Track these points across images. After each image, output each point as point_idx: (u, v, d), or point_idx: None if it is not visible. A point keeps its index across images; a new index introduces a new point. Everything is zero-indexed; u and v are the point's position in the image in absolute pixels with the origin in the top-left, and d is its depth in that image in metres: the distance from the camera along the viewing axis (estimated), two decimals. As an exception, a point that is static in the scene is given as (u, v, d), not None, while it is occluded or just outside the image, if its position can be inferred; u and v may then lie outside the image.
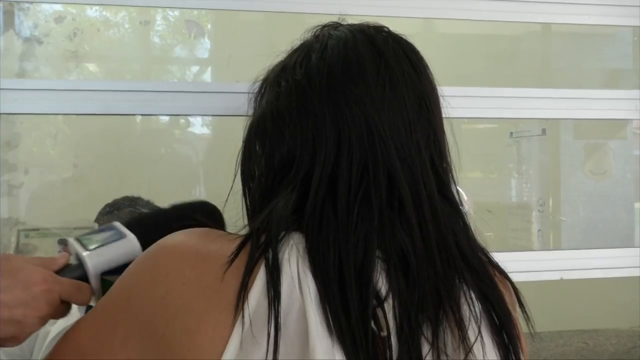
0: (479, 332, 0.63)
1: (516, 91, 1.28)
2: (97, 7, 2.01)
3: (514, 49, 2.67)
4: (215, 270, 0.61)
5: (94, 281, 0.73)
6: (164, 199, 1.69)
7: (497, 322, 0.65)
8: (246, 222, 0.73)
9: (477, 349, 0.62)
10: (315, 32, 0.76)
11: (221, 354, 0.58)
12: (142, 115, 1.91)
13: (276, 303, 0.58)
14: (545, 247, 2.49)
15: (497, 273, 0.71)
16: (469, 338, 0.62)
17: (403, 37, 0.76)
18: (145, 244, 0.72)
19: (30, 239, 1.43)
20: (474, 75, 2.10)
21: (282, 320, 0.58)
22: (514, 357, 0.65)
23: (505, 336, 0.65)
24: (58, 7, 1.90)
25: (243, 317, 0.58)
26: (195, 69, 2.50)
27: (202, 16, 2.19)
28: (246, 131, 0.74)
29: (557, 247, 2.60)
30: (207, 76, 2.46)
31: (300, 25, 0.79)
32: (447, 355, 0.61)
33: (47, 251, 1.42)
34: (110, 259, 0.73)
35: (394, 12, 1.21)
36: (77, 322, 0.70)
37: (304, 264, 0.61)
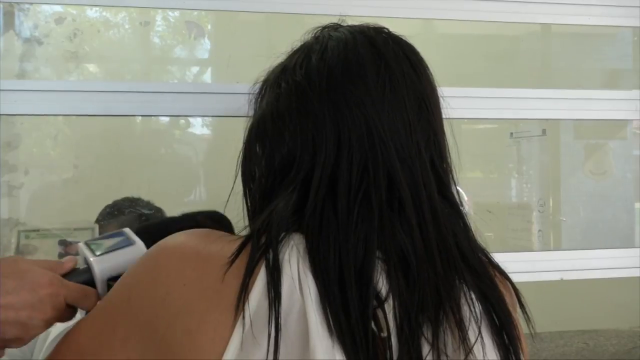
0: (479, 332, 0.63)
1: (516, 91, 1.29)
2: (97, 8, 2.01)
3: (514, 49, 2.67)
4: (216, 271, 0.61)
5: (100, 286, 0.73)
6: (164, 200, 1.70)
7: (498, 323, 0.66)
8: (247, 222, 0.73)
9: (477, 349, 0.62)
10: (315, 34, 0.76)
11: (222, 355, 0.58)
12: (142, 116, 1.91)
13: (277, 304, 0.58)
14: (545, 248, 2.49)
15: (497, 274, 0.71)
16: (469, 339, 0.62)
17: (403, 38, 0.76)
18: None
19: (31, 240, 1.43)
20: (474, 76, 2.10)
21: (282, 320, 0.58)
22: (514, 358, 0.65)
23: (505, 337, 0.65)
24: (58, 8, 1.90)
25: (244, 317, 0.58)
26: (195, 69, 2.50)
27: (202, 17, 2.19)
28: (246, 132, 0.74)
29: (558, 248, 2.60)
30: (207, 77, 2.46)
31: (300, 26, 0.79)
32: (447, 355, 0.61)
33: (48, 252, 1.42)
34: (117, 265, 0.73)
35: (393, 13, 1.21)
36: (78, 323, 0.70)
37: (304, 265, 0.61)
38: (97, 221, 1.55)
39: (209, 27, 2.31)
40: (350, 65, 0.70)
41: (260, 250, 0.62)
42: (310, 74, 0.70)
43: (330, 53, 0.71)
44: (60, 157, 2.07)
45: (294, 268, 0.61)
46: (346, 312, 0.59)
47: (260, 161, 0.71)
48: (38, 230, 1.45)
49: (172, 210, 1.68)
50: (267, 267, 0.61)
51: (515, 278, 0.74)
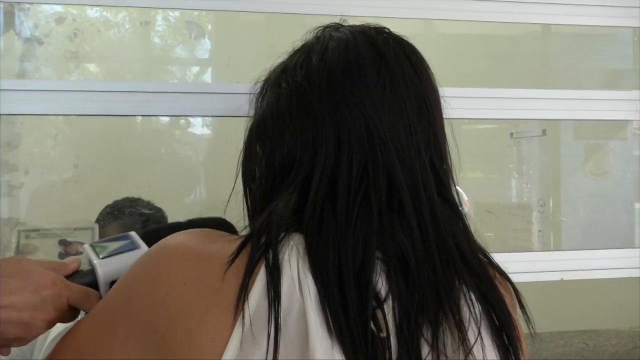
0: (479, 333, 0.63)
1: (516, 92, 1.29)
2: (97, 8, 2.01)
3: (513, 49, 2.67)
4: (216, 271, 0.61)
5: (103, 289, 0.74)
6: (164, 200, 1.70)
7: (497, 323, 0.66)
8: (247, 222, 0.73)
9: (477, 350, 0.62)
10: (316, 33, 0.76)
11: (221, 354, 0.58)
12: (142, 116, 1.91)
13: (276, 304, 0.58)
14: (545, 248, 2.49)
15: (497, 274, 0.71)
16: (468, 339, 0.62)
17: (404, 38, 0.76)
18: None
19: (31, 240, 1.43)
20: (474, 76, 2.10)
21: (282, 320, 0.58)
22: (514, 358, 0.65)
23: (505, 337, 0.65)
24: (58, 8, 1.90)
25: (243, 317, 0.58)
26: (195, 69, 2.50)
27: (203, 17, 2.19)
28: (247, 132, 0.74)
29: (558, 248, 2.60)
30: (208, 77, 2.46)
31: (300, 26, 0.79)
32: (446, 356, 0.61)
33: (48, 252, 1.42)
34: (121, 268, 0.73)
35: (393, 13, 1.21)
36: (78, 323, 0.70)
37: (304, 265, 0.61)
38: (97, 221, 1.55)
39: (210, 27, 2.31)
40: (350, 66, 0.70)
41: (260, 250, 0.62)
42: (310, 75, 0.70)
43: (330, 53, 0.71)
44: (60, 157, 2.07)
45: (294, 268, 0.61)
46: (345, 312, 0.59)
47: (261, 161, 0.71)
48: (38, 230, 1.45)
49: (173, 210, 1.68)
50: (266, 267, 0.61)
51: (515, 278, 0.74)
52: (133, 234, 0.79)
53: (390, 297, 0.62)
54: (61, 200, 1.90)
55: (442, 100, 0.75)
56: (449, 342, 0.62)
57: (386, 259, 0.63)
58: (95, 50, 2.05)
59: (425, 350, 0.61)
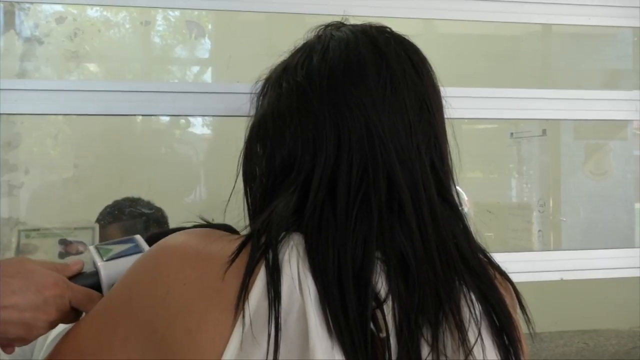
0: (479, 333, 0.63)
1: (516, 92, 1.29)
2: (97, 8, 2.01)
3: (514, 49, 2.67)
4: (216, 271, 0.61)
5: (106, 291, 0.74)
6: (165, 199, 1.70)
7: (498, 324, 0.65)
8: (247, 222, 0.73)
9: (477, 350, 0.62)
10: (318, 32, 0.76)
11: (221, 354, 0.58)
12: (142, 115, 1.91)
13: (277, 304, 0.58)
14: (545, 248, 2.49)
15: (497, 274, 0.71)
16: (469, 340, 0.62)
17: (406, 37, 0.75)
18: None
19: (31, 239, 1.43)
20: (474, 76, 2.10)
21: (282, 320, 0.58)
22: (514, 359, 0.65)
23: (505, 337, 0.65)
24: (59, 8, 1.90)
25: (243, 317, 0.58)
26: (195, 69, 2.50)
27: (203, 17, 2.19)
28: (247, 131, 0.74)
29: (558, 248, 2.60)
30: (208, 77, 2.46)
31: (300, 26, 0.79)
32: (446, 356, 0.61)
33: (48, 251, 1.42)
34: (124, 271, 0.73)
35: (394, 13, 1.21)
36: (78, 323, 0.70)
37: (304, 265, 0.61)
38: (98, 220, 1.55)
39: (210, 26, 2.31)
40: (351, 66, 0.70)
41: (260, 250, 0.62)
42: (311, 74, 0.70)
43: (331, 53, 0.71)
44: (60, 157, 2.07)
45: (294, 268, 0.61)
46: (345, 313, 0.59)
47: (261, 161, 0.71)
48: (38, 230, 1.45)
49: (173, 210, 1.68)
50: (267, 267, 0.61)
51: (515, 278, 0.74)
52: (138, 237, 0.79)
53: (390, 297, 0.62)
54: (61, 200, 1.90)
55: (443, 101, 0.75)
56: (449, 342, 0.62)
57: (386, 259, 0.63)
58: (96, 50, 2.05)
59: (425, 351, 0.61)
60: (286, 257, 0.62)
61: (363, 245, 0.63)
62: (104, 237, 1.48)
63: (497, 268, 0.72)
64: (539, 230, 2.52)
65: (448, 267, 0.65)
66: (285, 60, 0.75)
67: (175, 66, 2.45)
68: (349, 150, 0.66)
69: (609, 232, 2.64)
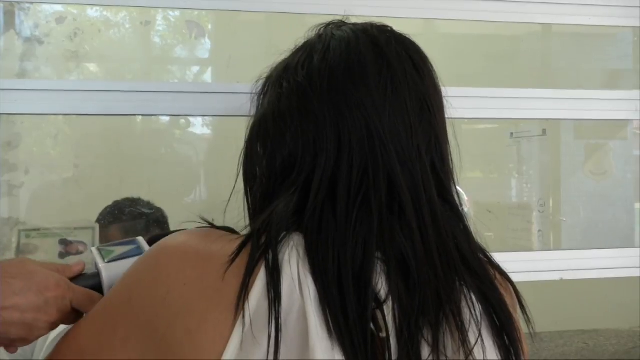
0: (480, 334, 0.63)
1: (516, 91, 1.29)
2: (97, 8, 2.01)
3: (514, 49, 2.67)
4: (217, 270, 0.61)
5: (107, 293, 0.74)
6: (165, 199, 1.70)
7: (498, 324, 0.65)
8: (247, 222, 0.73)
9: (477, 351, 0.62)
10: (319, 31, 0.75)
11: (221, 354, 0.58)
12: (142, 115, 1.91)
13: (277, 304, 0.58)
14: (545, 248, 2.49)
15: (497, 274, 0.71)
16: (469, 341, 0.62)
17: (407, 37, 0.75)
18: None
19: (31, 239, 1.43)
20: (474, 76, 2.10)
21: (282, 320, 0.58)
22: (515, 359, 0.65)
23: (506, 338, 0.65)
24: (59, 8, 1.90)
25: (244, 317, 0.58)
26: (195, 69, 2.50)
27: (203, 17, 2.19)
28: (248, 131, 0.74)
29: (558, 248, 2.60)
30: (208, 76, 2.46)
31: (300, 26, 0.79)
32: (447, 357, 0.61)
33: (48, 251, 1.42)
34: None
35: (394, 13, 1.21)
36: (78, 323, 0.70)
37: (304, 266, 0.61)
38: (98, 220, 1.55)
39: (210, 26, 2.31)
40: (352, 66, 0.69)
41: (261, 250, 0.62)
42: (311, 74, 0.70)
43: (332, 53, 0.71)
44: (60, 157, 2.07)
45: (294, 269, 0.61)
46: (345, 313, 0.59)
47: (262, 161, 0.71)
48: (38, 230, 1.45)
49: (173, 210, 1.68)
50: (267, 267, 0.61)
51: (515, 278, 0.74)
52: (140, 239, 0.79)
53: (390, 298, 0.61)
54: (61, 200, 1.90)
55: (444, 101, 0.75)
56: (449, 343, 0.62)
57: (386, 260, 0.63)
58: (96, 50, 2.05)
59: (425, 351, 0.61)
60: (286, 257, 0.62)
61: (363, 246, 0.63)
62: (104, 237, 1.48)
63: (497, 268, 0.72)
64: (539, 230, 2.52)
65: (449, 268, 0.65)
66: (286, 59, 0.75)
67: (175, 66, 2.46)
68: (350, 151, 0.66)
69: (609, 232, 2.64)
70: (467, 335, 0.62)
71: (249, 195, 0.73)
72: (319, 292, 0.60)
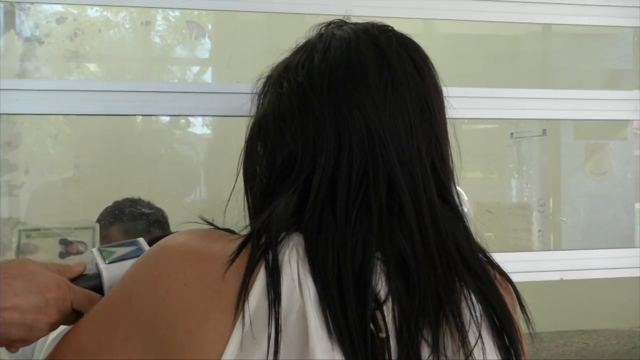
0: (479, 335, 0.63)
1: (516, 92, 1.29)
2: (98, 8, 2.01)
3: (514, 49, 2.67)
4: (217, 270, 0.61)
5: (107, 293, 0.74)
6: (165, 200, 1.70)
7: (498, 324, 0.65)
8: (247, 222, 0.73)
9: (477, 351, 0.62)
10: (319, 30, 0.75)
11: (221, 354, 0.58)
12: (142, 115, 1.91)
13: (277, 304, 0.58)
14: (545, 248, 2.49)
15: (497, 275, 0.71)
16: (469, 341, 0.62)
17: (408, 37, 0.75)
18: None
19: (31, 239, 1.43)
20: (474, 76, 2.10)
21: (282, 321, 0.58)
22: (515, 359, 0.65)
23: (506, 338, 0.65)
24: (59, 8, 1.90)
25: (243, 317, 0.58)
26: (195, 69, 2.50)
27: (203, 17, 2.19)
28: (248, 130, 0.74)
29: (558, 248, 2.60)
30: (208, 77, 2.46)
31: (300, 26, 0.79)
32: (447, 358, 0.61)
33: (49, 251, 1.42)
34: None
35: (394, 13, 1.21)
36: (78, 322, 0.70)
37: (304, 266, 0.61)
38: (98, 220, 1.55)
39: (210, 26, 2.31)
40: (352, 66, 0.69)
41: (260, 250, 0.62)
42: (312, 75, 0.70)
43: (332, 53, 0.71)
44: (60, 157, 2.07)
45: (294, 269, 0.61)
46: (345, 314, 0.59)
47: (262, 161, 0.71)
48: (39, 230, 1.45)
49: (173, 210, 1.68)
50: (266, 267, 0.61)
51: (515, 278, 0.74)
52: (141, 240, 0.79)
53: (390, 299, 0.61)
54: (61, 200, 1.90)
55: (445, 101, 0.75)
56: (449, 344, 0.62)
57: (386, 260, 0.63)
58: (96, 50, 2.05)
59: (425, 352, 0.61)
60: (286, 257, 0.62)
61: (363, 246, 0.63)
62: (104, 237, 1.48)
63: (497, 268, 0.72)
64: (539, 230, 2.52)
65: (449, 268, 0.65)
66: (286, 59, 0.75)
67: (175, 66, 2.45)
68: (349, 151, 0.66)
69: (609, 232, 2.64)
70: (467, 336, 0.62)
71: (249, 194, 0.73)
72: (319, 292, 0.60)
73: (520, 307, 0.72)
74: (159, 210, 1.64)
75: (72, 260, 1.40)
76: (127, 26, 2.21)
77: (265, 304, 0.59)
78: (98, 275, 0.75)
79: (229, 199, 0.75)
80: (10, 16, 1.85)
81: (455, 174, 0.74)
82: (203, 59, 2.39)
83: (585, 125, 2.65)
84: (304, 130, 0.68)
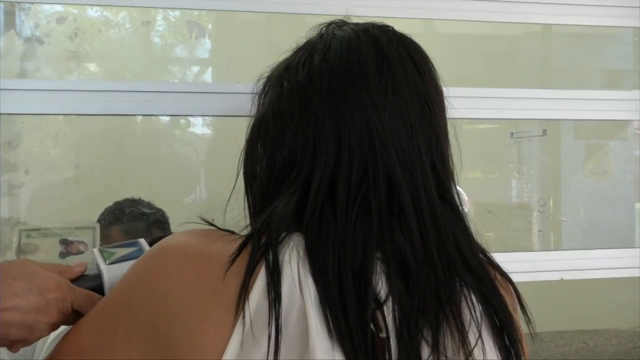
0: (480, 335, 0.63)
1: (516, 92, 1.29)
2: (98, 8, 2.01)
3: (514, 49, 2.68)
4: (217, 271, 0.61)
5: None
6: (165, 200, 1.70)
7: (498, 325, 0.65)
8: (248, 222, 0.73)
9: (477, 351, 0.62)
10: (320, 30, 0.75)
11: (222, 354, 0.58)
12: (142, 115, 1.91)
13: (277, 304, 0.58)
14: (545, 248, 2.49)
15: (498, 275, 0.71)
16: (469, 341, 0.62)
17: (409, 37, 0.75)
18: None
19: (32, 239, 1.43)
20: (474, 76, 2.10)
21: (282, 321, 0.58)
22: (515, 359, 0.65)
23: (506, 338, 0.65)
24: (59, 8, 1.90)
25: (244, 317, 0.58)
26: (195, 69, 2.50)
27: (203, 16, 2.19)
28: (248, 130, 0.74)
29: (558, 248, 2.60)
30: (208, 76, 2.46)
31: (300, 26, 0.79)
32: (447, 358, 0.61)
33: (49, 251, 1.42)
34: None
35: (394, 13, 1.21)
36: (79, 322, 0.70)
37: (304, 266, 0.61)
38: (99, 220, 1.55)
39: (210, 26, 2.31)
40: (352, 66, 0.69)
41: (261, 250, 0.62)
42: (312, 75, 0.70)
43: (333, 53, 0.71)
44: (60, 157, 2.07)
45: (294, 269, 0.61)
46: (345, 314, 0.59)
47: (262, 160, 0.71)
48: (39, 230, 1.46)
49: (173, 210, 1.68)
50: (267, 268, 0.61)
51: (515, 278, 0.74)
52: (142, 240, 0.79)
53: (390, 299, 0.61)
54: (62, 200, 1.90)
55: (445, 101, 0.75)
56: (449, 344, 0.62)
57: (386, 260, 0.63)
58: (96, 50, 2.05)
59: (425, 352, 0.61)
60: (286, 257, 0.62)
61: (363, 246, 0.63)
62: (104, 238, 1.48)
63: (497, 268, 0.72)
64: (539, 230, 2.52)
65: (449, 268, 0.65)
66: (287, 59, 0.75)
67: (175, 66, 2.46)
68: (349, 151, 0.66)
69: (609, 232, 2.64)
70: (467, 336, 0.62)
71: (249, 194, 0.73)
72: (319, 292, 0.60)
73: (521, 307, 0.72)
74: (159, 210, 1.64)
75: (72, 260, 1.40)
76: (127, 26, 2.21)
77: (265, 304, 0.59)
78: (99, 276, 0.75)
79: (229, 199, 0.75)
80: (10, 16, 1.85)
81: (455, 174, 0.74)
82: (203, 59, 2.39)
83: (585, 125, 2.65)
84: (304, 130, 0.68)
